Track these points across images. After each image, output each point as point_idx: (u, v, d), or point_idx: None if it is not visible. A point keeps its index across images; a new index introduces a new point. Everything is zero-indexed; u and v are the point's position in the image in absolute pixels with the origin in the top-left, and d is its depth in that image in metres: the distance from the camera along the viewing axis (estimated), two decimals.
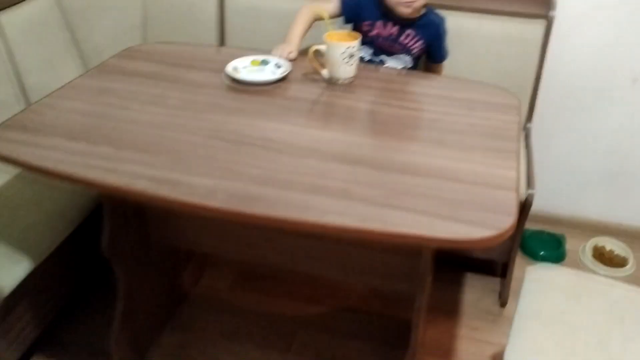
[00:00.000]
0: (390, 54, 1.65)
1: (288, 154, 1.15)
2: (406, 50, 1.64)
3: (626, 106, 1.93)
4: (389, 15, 1.59)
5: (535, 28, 1.78)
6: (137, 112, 1.28)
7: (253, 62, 1.50)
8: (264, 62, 1.50)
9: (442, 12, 1.80)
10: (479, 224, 0.95)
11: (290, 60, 1.51)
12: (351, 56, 1.38)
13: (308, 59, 1.44)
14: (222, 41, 2.06)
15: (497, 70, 1.83)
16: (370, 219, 0.97)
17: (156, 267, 1.58)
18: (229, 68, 1.45)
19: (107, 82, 1.41)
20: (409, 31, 1.61)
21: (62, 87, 1.38)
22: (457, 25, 1.79)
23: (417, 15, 1.59)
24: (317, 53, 1.42)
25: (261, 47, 1.96)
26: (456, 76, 1.61)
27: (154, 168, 1.09)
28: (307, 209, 0.99)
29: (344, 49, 1.37)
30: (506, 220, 0.96)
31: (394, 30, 1.61)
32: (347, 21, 1.64)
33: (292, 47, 1.55)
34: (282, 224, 0.99)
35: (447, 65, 1.82)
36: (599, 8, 1.81)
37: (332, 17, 1.58)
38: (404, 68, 1.66)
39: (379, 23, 1.60)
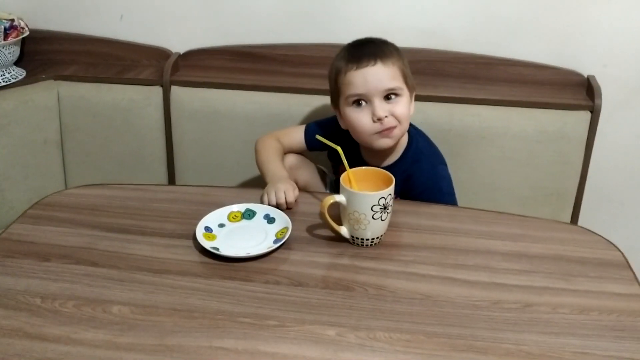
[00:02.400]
0: None
1: None
2: None
3: None
4: (354, 157, 1.18)
5: (578, 121, 1.41)
6: (59, 344, 0.77)
7: (232, 217, 1.02)
8: (249, 214, 1.03)
9: (464, 108, 1.42)
10: None
11: (289, 208, 1.05)
12: (384, 208, 0.93)
13: (320, 214, 0.97)
14: (169, 152, 1.58)
15: (529, 174, 1.46)
16: None
17: None
18: (200, 231, 0.97)
19: (5, 276, 0.89)
20: None
21: None
22: (480, 122, 1.42)
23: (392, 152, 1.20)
24: (333, 205, 0.95)
25: (217, 153, 1.53)
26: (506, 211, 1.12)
27: None
28: None
29: (375, 200, 0.92)
30: None
31: None
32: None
33: (292, 183, 1.09)
34: None
35: (469, 172, 1.43)
36: None
37: (298, 152, 1.27)
38: None
39: (341, 166, 1.15)
